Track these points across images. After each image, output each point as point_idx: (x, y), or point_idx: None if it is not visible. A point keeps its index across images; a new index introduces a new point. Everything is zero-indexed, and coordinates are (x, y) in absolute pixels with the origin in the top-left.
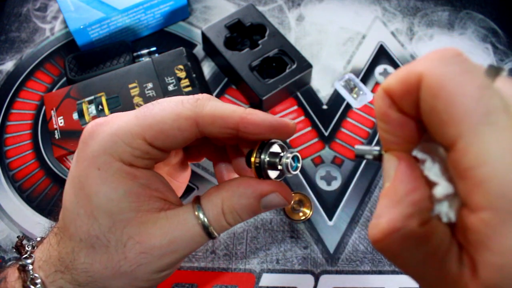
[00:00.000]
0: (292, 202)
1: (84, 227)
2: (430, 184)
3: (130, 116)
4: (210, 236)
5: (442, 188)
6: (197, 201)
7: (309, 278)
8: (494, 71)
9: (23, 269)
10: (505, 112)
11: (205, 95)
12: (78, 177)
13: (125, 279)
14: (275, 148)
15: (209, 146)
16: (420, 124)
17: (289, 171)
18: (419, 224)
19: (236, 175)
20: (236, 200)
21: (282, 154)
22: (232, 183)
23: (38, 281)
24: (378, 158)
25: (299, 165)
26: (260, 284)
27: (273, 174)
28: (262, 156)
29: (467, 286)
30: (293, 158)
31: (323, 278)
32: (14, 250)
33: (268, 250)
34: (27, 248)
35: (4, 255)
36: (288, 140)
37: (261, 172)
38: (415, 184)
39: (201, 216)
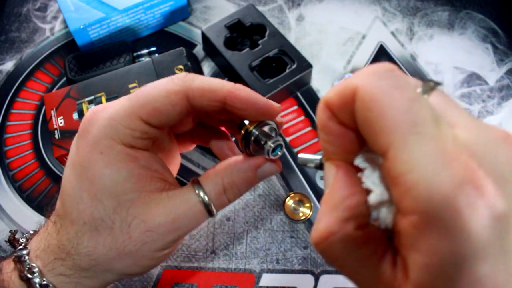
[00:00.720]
0: (292, 202)
1: (87, 210)
2: (369, 191)
3: (124, 99)
4: (210, 213)
5: (375, 195)
6: (196, 181)
7: (309, 278)
8: (429, 86)
9: (18, 260)
10: (433, 122)
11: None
12: (79, 162)
13: (129, 259)
14: (267, 129)
15: (200, 132)
16: (359, 135)
17: (268, 154)
18: (355, 228)
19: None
20: (235, 175)
21: (270, 137)
22: (228, 162)
23: (36, 269)
24: (320, 167)
25: (279, 153)
26: (260, 284)
27: (254, 149)
28: (254, 130)
29: None
30: (276, 146)
31: (323, 278)
32: (8, 244)
33: (268, 250)
34: (21, 241)
35: (4, 255)
36: (288, 140)
37: (247, 142)
38: (351, 190)
39: (202, 194)
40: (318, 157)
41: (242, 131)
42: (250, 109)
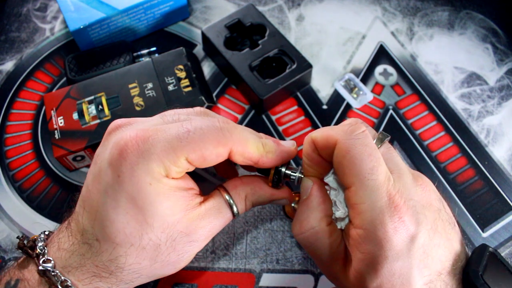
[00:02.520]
0: (292, 202)
1: (136, 234)
2: (335, 206)
3: (171, 135)
4: (233, 213)
5: (340, 213)
6: (225, 191)
7: (309, 278)
8: (382, 138)
9: (44, 273)
10: (382, 173)
11: (231, 122)
12: (126, 190)
13: (171, 266)
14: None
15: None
16: (330, 164)
17: (295, 183)
18: (326, 224)
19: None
20: (256, 198)
21: (294, 172)
22: (254, 182)
23: (69, 282)
24: (298, 180)
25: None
26: (260, 284)
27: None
28: (282, 168)
29: (347, 269)
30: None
31: (323, 278)
32: (21, 251)
33: (268, 250)
34: (38, 250)
35: (4, 255)
36: (288, 140)
37: (279, 178)
38: (324, 198)
39: (235, 209)
40: (297, 174)
41: (272, 171)
42: (276, 163)
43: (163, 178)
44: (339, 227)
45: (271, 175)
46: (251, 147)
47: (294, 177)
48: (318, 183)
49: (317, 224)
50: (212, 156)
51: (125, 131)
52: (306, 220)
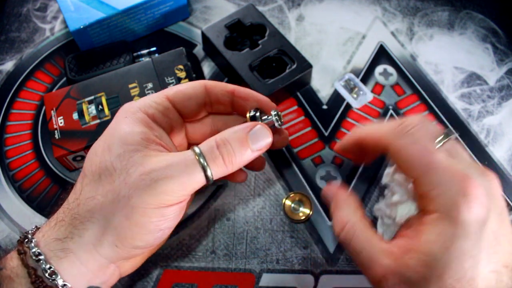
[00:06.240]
0: (292, 202)
1: (96, 160)
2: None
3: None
4: (204, 169)
5: (396, 196)
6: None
7: (309, 278)
8: (447, 135)
9: (22, 249)
10: (442, 158)
11: None
12: (108, 127)
13: (122, 210)
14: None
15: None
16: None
17: (274, 124)
18: (361, 215)
19: None
20: (227, 134)
21: (272, 113)
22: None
23: (33, 241)
24: (277, 120)
25: (282, 122)
26: (260, 284)
27: None
28: (257, 114)
29: (397, 260)
30: (277, 115)
31: (323, 278)
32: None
33: (268, 250)
34: (27, 238)
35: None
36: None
37: (253, 117)
38: (347, 194)
39: (196, 149)
40: (273, 114)
41: (247, 116)
42: (251, 99)
43: (139, 112)
44: (398, 219)
45: (247, 118)
46: (223, 83)
47: (270, 117)
48: (335, 186)
49: (351, 217)
50: (189, 90)
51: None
52: (340, 217)
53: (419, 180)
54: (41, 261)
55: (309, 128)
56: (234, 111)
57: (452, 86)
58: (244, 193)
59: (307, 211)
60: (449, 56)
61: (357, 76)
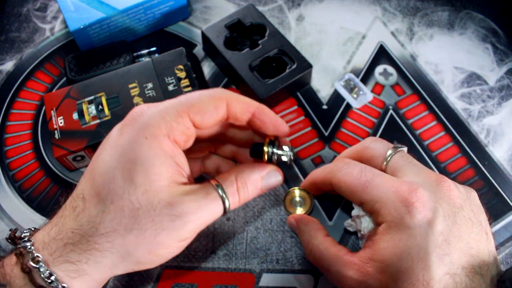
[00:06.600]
0: (292, 198)
1: (118, 190)
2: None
3: (172, 100)
4: (224, 209)
5: (354, 211)
6: (215, 180)
7: (309, 278)
8: (395, 149)
9: (21, 253)
10: (380, 175)
11: None
12: (122, 144)
13: (146, 246)
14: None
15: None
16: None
17: (291, 162)
18: (323, 236)
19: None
20: (246, 175)
21: (285, 149)
22: (241, 166)
23: (40, 258)
24: (291, 157)
25: (287, 160)
26: (260, 284)
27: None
28: (274, 150)
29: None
30: (293, 153)
31: (323, 278)
32: (9, 241)
33: (268, 250)
34: (24, 235)
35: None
36: (288, 140)
37: (270, 161)
38: (306, 220)
39: (220, 191)
40: (287, 151)
41: (264, 156)
42: (270, 124)
43: (162, 135)
44: (364, 231)
45: (265, 146)
46: (246, 98)
47: (286, 153)
48: (294, 216)
49: (315, 239)
50: (210, 107)
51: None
52: (306, 242)
53: (361, 200)
54: (53, 282)
55: (309, 128)
56: (249, 126)
57: (452, 86)
58: None
59: (307, 205)
60: (449, 56)
61: (357, 76)
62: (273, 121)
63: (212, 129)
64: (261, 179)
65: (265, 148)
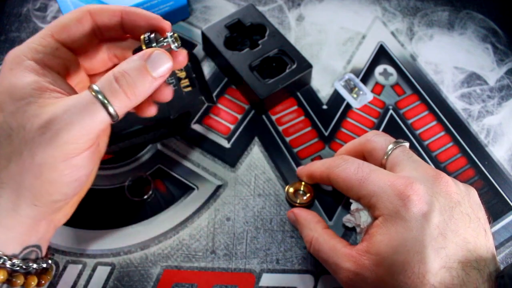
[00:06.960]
0: (293, 190)
1: None
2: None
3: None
4: (104, 105)
5: (353, 205)
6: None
7: (309, 278)
8: (396, 144)
9: None
10: (376, 170)
11: None
12: None
13: (29, 172)
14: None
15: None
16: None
17: (171, 47)
18: (322, 228)
19: None
20: (124, 65)
21: (167, 35)
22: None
23: None
24: (174, 41)
25: (179, 43)
26: (260, 284)
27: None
28: (152, 35)
29: (358, 252)
30: (173, 37)
31: (323, 278)
32: None
33: (268, 250)
34: None
35: None
36: (288, 140)
37: (149, 41)
38: (306, 212)
39: (94, 86)
40: (168, 36)
41: (142, 41)
42: (142, 20)
43: (26, 60)
44: (362, 224)
45: (141, 43)
46: (111, 5)
47: (167, 40)
48: (294, 210)
49: (314, 232)
50: (74, 22)
51: None
52: (306, 235)
53: (358, 195)
54: None
55: (309, 128)
56: (127, 34)
57: (452, 86)
58: (244, 193)
59: (309, 197)
60: (449, 56)
61: (357, 76)
62: (146, 18)
63: (94, 48)
64: (144, 63)
65: (142, 37)
